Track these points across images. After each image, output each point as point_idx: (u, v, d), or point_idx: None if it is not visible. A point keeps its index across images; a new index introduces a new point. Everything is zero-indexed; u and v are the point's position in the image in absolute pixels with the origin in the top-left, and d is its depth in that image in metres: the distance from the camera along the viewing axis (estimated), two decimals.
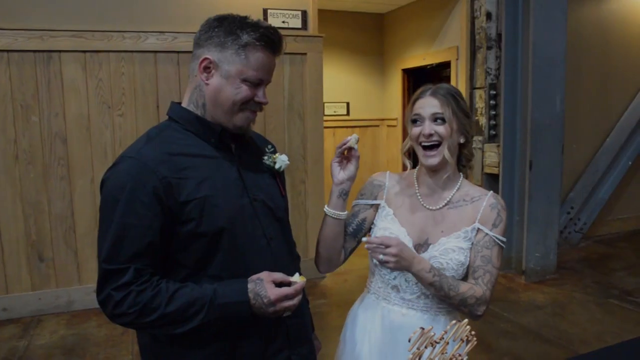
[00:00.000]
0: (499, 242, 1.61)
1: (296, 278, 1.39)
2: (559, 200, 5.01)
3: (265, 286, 1.33)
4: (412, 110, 1.63)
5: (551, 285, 4.73)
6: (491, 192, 1.68)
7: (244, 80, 1.40)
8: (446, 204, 1.65)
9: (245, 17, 1.43)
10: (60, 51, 4.10)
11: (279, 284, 1.35)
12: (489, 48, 4.96)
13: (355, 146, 1.59)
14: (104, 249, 1.31)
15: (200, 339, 1.39)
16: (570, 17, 4.86)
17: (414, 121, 1.63)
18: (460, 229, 1.62)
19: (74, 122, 4.19)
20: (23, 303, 4.18)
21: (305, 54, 4.73)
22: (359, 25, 7.04)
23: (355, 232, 1.74)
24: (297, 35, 4.66)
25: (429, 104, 1.60)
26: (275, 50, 1.44)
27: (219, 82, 1.40)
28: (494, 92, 4.99)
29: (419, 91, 1.65)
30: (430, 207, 1.66)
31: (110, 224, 1.31)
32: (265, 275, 1.36)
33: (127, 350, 3.56)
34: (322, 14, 5.12)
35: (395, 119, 7.01)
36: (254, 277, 1.35)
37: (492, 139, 5.04)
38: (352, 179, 1.62)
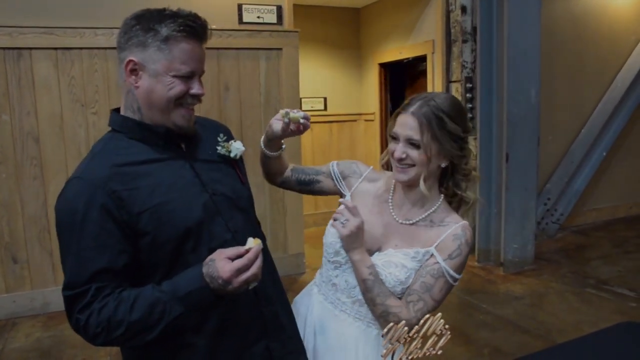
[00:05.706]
0: (448, 276, 1.48)
1: (250, 244, 1.28)
2: (535, 191, 5.05)
3: (216, 266, 1.24)
4: (394, 123, 1.53)
5: (529, 276, 4.78)
6: (462, 222, 1.54)
7: (175, 76, 1.34)
8: (414, 223, 1.57)
9: (164, 9, 1.36)
10: (30, 48, 4.01)
11: (236, 258, 1.27)
12: (464, 41, 4.98)
13: (285, 119, 1.58)
14: (65, 277, 1.30)
15: (176, 341, 1.36)
16: (543, 11, 4.90)
17: (393, 137, 1.53)
18: (412, 248, 1.53)
19: (46, 121, 4.11)
20: None
21: (280, 49, 4.66)
22: (335, 20, 7.01)
23: (303, 182, 1.79)
24: (273, 31, 4.60)
25: (406, 125, 1.48)
26: (200, 38, 1.37)
27: (148, 82, 1.35)
28: (470, 85, 5.01)
29: (406, 101, 1.53)
30: (398, 220, 1.58)
31: (68, 251, 1.30)
32: (217, 254, 1.28)
33: (105, 351, 3.51)
34: (298, 9, 5.09)
35: (373, 114, 7.00)
36: (207, 259, 1.28)
37: None
38: (274, 134, 1.63)
